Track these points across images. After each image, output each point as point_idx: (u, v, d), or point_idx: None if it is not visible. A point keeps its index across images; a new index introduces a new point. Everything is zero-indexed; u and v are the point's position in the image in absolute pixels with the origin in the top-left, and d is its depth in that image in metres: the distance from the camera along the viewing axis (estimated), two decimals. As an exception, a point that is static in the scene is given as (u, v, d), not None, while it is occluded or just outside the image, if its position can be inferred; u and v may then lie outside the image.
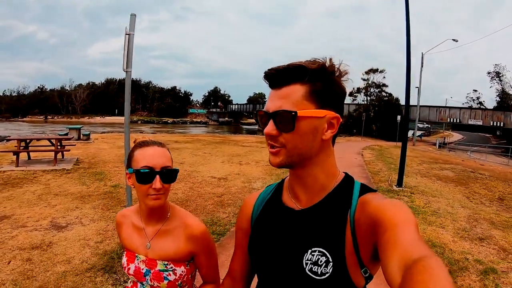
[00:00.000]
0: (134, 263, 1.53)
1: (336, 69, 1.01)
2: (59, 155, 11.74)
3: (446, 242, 5.63)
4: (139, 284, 1.55)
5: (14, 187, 8.07)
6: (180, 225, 1.51)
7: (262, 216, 1.22)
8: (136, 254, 1.54)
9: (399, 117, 34.61)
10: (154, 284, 1.50)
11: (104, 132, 33.15)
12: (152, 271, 1.49)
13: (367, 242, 0.94)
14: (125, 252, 1.60)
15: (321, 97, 0.99)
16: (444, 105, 49.85)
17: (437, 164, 16.27)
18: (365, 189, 1.05)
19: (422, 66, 36.46)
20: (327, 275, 0.96)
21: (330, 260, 0.97)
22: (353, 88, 56.08)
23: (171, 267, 1.48)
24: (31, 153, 11.69)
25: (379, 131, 45.27)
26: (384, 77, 51.56)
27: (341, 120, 1.05)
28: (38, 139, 12.43)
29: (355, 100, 55.77)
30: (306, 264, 1.00)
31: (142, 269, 1.51)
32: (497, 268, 4.71)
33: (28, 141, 11.54)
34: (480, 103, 73.68)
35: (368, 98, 52.97)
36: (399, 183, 10.07)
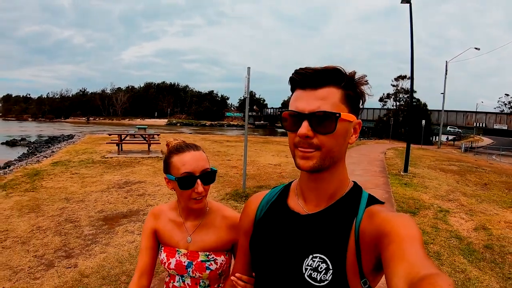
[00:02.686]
0: (175, 257, 1.60)
1: (363, 79, 1.03)
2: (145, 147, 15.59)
3: (423, 199, 8.96)
4: (177, 277, 1.63)
5: (129, 167, 11.91)
6: (219, 217, 1.61)
7: (265, 217, 1.21)
8: (177, 249, 1.61)
9: (423, 122, 36.70)
10: (196, 275, 1.57)
11: (161, 133, 37.08)
12: (194, 263, 1.56)
13: (370, 253, 0.94)
14: (163, 248, 1.66)
15: (351, 103, 1.01)
16: (471, 110, 51.15)
17: (449, 161, 19.15)
18: (372, 200, 1.06)
19: (446, 73, 38.64)
20: (326, 282, 0.97)
21: (330, 267, 0.97)
22: (383, 94, 58.72)
23: (212, 257, 1.55)
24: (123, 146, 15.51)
25: (406, 135, 47.01)
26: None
27: (361, 125, 1.08)
28: (131, 135, 16.42)
29: (385, 105, 58.37)
30: (306, 269, 1.01)
31: (184, 262, 1.58)
32: (450, 210, 8.00)
33: (123, 136, 15.38)
34: (512, 107, 74.67)
35: (397, 103, 55.54)
36: (405, 169, 13.35)
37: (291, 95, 1.06)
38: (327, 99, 0.97)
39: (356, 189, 1.10)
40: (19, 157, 22.46)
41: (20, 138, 39.80)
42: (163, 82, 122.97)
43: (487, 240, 6.18)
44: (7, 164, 16.27)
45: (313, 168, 0.99)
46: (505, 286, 4.56)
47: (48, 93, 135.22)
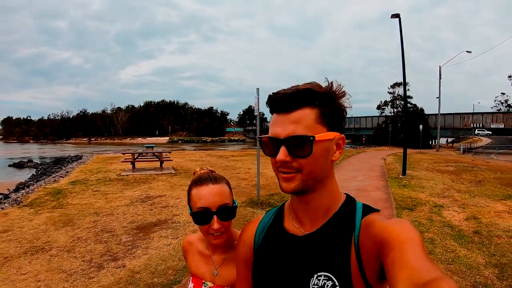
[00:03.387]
0: None
1: (340, 92, 1.02)
2: (157, 164, 16.41)
3: (421, 197, 9.78)
4: None
5: (145, 183, 12.74)
6: None
7: (264, 244, 1.20)
8: (203, 281, 1.60)
9: (421, 127, 37.82)
10: None
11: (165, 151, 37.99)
12: None
13: (372, 263, 0.94)
14: (191, 278, 1.66)
15: (329, 120, 1.00)
16: (467, 112, 51.93)
17: (446, 163, 19.98)
18: (367, 209, 1.06)
19: (440, 78, 40.03)
20: None
21: (337, 283, 0.98)
22: (381, 101, 59.78)
23: None
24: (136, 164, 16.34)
25: (405, 140, 47.53)
26: (408, 89, 54.56)
27: (345, 139, 1.07)
28: (142, 154, 17.27)
29: (383, 112, 59.39)
30: None
31: None
32: (444, 205, 8.79)
33: (136, 155, 16.21)
34: (509, 105, 75.22)
35: (395, 110, 56.53)
36: (404, 173, 14.18)
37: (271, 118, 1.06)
38: (300, 122, 0.97)
39: (349, 201, 1.11)
40: (29, 178, 23.16)
41: (27, 160, 40.43)
42: (163, 100, 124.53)
43: (476, 227, 6.97)
44: (25, 185, 17.00)
45: (295, 190, 1.01)
46: (490, 261, 5.34)
47: (49, 114, 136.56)
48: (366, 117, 62.83)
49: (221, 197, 1.45)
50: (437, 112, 41.80)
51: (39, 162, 37.55)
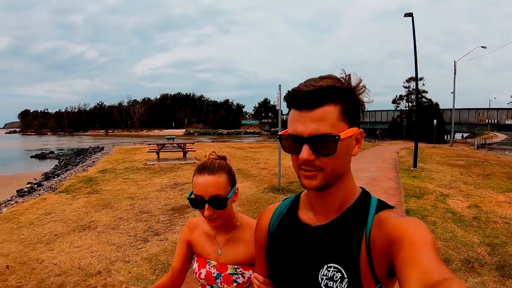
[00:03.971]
0: (206, 268, 1.68)
1: (360, 87, 1.01)
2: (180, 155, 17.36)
3: (429, 187, 10.49)
4: (208, 287, 1.70)
5: (171, 172, 13.68)
6: (249, 232, 1.60)
7: (278, 231, 1.23)
8: (208, 260, 1.70)
9: (435, 121, 38.14)
10: (223, 287, 1.64)
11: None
12: (222, 275, 1.64)
13: (382, 259, 0.95)
14: (196, 258, 1.76)
15: (350, 116, 1.00)
16: (483, 107, 51.55)
17: (457, 157, 20.53)
18: (382, 205, 1.07)
19: (455, 73, 40.33)
20: None
21: (345, 276, 0.99)
22: (396, 95, 59.92)
23: (240, 271, 1.61)
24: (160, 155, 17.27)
25: (420, 134, 47.55)
26: (423, 84, 54.66)
27: (363, 133, 1.08)
28: (167, 144, 18.26)
29: (398, 106, 59.64)
30: (322, 279, 1.03)
31: (213, 273, 1.66)
32: (449, 194, 9.51)
33: (161, 146, 17.23)
34: (527, 101, 74.68)
35: (410, 104, 56.73)
36: (414, 165, 14.89)
37: (288, 112, 1.05)
38: (324, 120, 0.95)
39: (365, 195, 1.11)
40: (53, 168, 24.32)
41: (48, 152, 41.74)
42: (179, 93, 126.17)
43: (476, 214, 7.68)
44: (53, 174, 18.13)
45: (317, 187, 1.00)
46: (484, 240, 6.06)
47: (66, 107, 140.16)
48: (381, 111, 62.92)
49: (214, 188, 1.54)
50: (458, 107, 41.83)
51: (60, 153, 38.88)
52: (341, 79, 1.00)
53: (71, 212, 8.44)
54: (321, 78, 1.00)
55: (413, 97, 55.66)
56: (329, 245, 1.06)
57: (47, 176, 18.06)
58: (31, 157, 37.72)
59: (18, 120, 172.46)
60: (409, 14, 15.52)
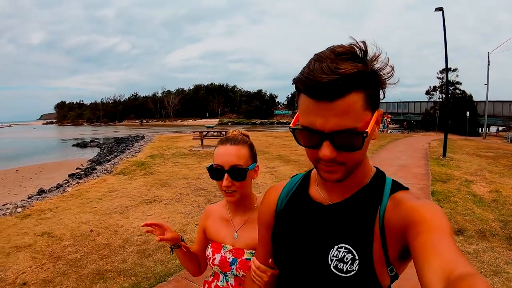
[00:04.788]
0: (220, 253, 1.63)
1: (387, 68, 0.90)
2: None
3: (455, 174, 11.32)
4: (221, 276, 1.67)
5: (211, 158, 14.79)
6: None
7: (287, 209, 1.18)
8: (223, 245, 1.65)
9: (468, 113, 38.29)
10: (239, 273, 1.58)
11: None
12: (238, 260, 1.58)
13: (396, 241, 0.93)
14: (210, 244, 1.71)
15: (374, 101, 0.91)
16: None
17: (487, 149, 21.06)
18: (396, 186, 1.04)
19: (488, 65, 39.98)
20: (352, 272, 0.96)
21: (357, 257, 0.96)
22: (430, 87, 59.60)
23: None
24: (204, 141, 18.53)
25: (453, 126, 47.06)
26: (457, 76, 54.39)
27: (382, 113, 0.99)
28: (212, 132, 19.47)
29: (432, 98, 59.32)
30: (332, 260, 0.99)
31: (229, 258, 1.60)
32: (473, 181, 10.36)
33: (205, 133, 18.45)
34: None
35: (443, 95, 56.37)
36: (444, 154, 15.69)
37: (298, 97, 0.93)
38: (348, 112, 0.85)
39: (379, 175, 1.08)
40: (96, 155, 26.02)
41: (89, 140, 43.76)
42: (212, 83, 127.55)
43: (496, 197, 8.50)
44: (100, 161, 19.79)
45: (339, 179, 0.96)
46: (498, 217, 6.96)
47: (102, 98, 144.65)
48: (414, 102, 62.56)
49: (234, 157, 1.53)
50: (491, 100, 41.94)
51: (101, 142, 40.87)
52: (361, 56, 0.87)
53: (133, 189, 9.61)
54: (338, 55, 0.85)
55: (448, 86, 55.19)
56: (341, 225, 1.02)
57: (98, 162, 19.66)
58: (73, 145, 39.99)
59: (54, 111, 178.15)
60: (440, 9, 15.93)
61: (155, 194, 9.03)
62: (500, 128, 56.50)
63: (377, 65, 0.89)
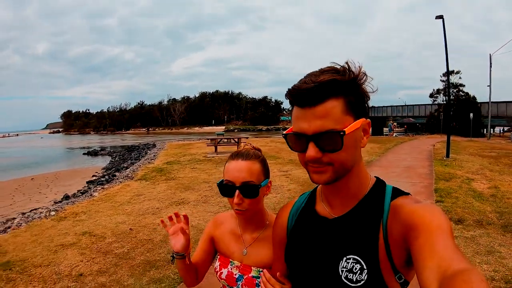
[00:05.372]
0: (227, 268, 1.62)
1: (362, 77, 1.01)
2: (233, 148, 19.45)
3: (457, 173, 12.07)
4: None
5: (230, 164, 15.59)
6: None
7: (297, 226, 1.24)
8: (231, 260, 1.63)
9: (471, 115, 39.07)
10: None
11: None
12: (245, 277, 1.57)
13: (400, 247, 0.96)
14: (218, 257, 1.70)
15: (355, 108, 0.99)
16: None
17: (490, 149, 21.74)
18: (397, 192, 1.08)
19: (490, 66, 40.89)
20: (362, 282, 1.00)
21: (365, 267, 1.00)
22: (433, 90, 60.03)
23: None
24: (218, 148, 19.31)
25: (457, 128, 47.88)
26: (460, 78, 54.83)
27: (371, 124, 1.07)
28: (223, 139, 20.36)
29: (435, 100, 59.77)
30: (342, 271, 1.03)
31: (235, 274, 1.59)
32: (474, 178, 11.11)
33: (218, 140, 19.33)
34: None
35: (447, 98, 56.79)
36: (447, 155, 16.42)
37: (292, 109, 1.05)
38: (327, 116, 0.96)
39: (379, 184, 1.13)
40: (109, 163, 26.67)
41: (100, 149, 44.47)
42: (217, 90, 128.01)
43: (494, 192, 9.23)
44: (120, 167, 20.36)
45: (327, 181, 1.03)
46: (495, 209, 7.68)
47: (108, 107, 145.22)
48: (419, 105, 62.78)
49: (246, 173, 1.49)
50: (494, 101, 42.68)
51: (111, 150, 41.24)
52: (341, 70, 0.99)
53: (158, 193, 10.20)
54: (322, 71, 0.99)
55: (451, 90, 55.70)
56: (347, 237, 1.07)
57: (116, 169, 20.29)
58: (84, 154, 40.72)
59: (60, 120, 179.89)
60: (440, 17, 16.58)
61: (181, 196, 9.64)
62: (506, 129, 56.83)
63: (354, 75, 1.00)
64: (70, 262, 5.63)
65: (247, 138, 20.85)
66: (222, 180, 1.55)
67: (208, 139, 21.71)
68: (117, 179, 14.44)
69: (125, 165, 21.36)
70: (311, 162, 1.01)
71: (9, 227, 7.97)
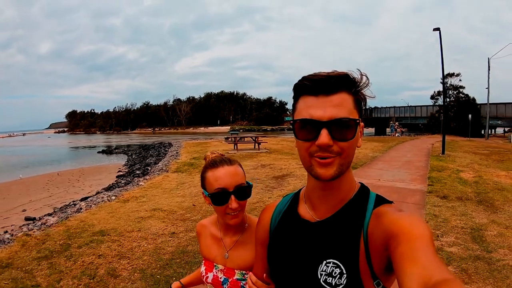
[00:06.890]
0: (213, 272, 1.65)
1: (367, 81, 1.04)
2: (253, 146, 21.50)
3: (450, 166, 14.13)
4: None
5: (252, 158, 17.54)
6: None
7: (279, 228, 1.25)
8: (215, 264, 1.66)
9: (470, 116, 40.55)
10: None
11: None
12: (230, 280, 1.59)
13: (380, 254, 0.97)
14: (203, 261, 1.73)
15: (359, 108, 1.04)
16: None
17: (485, 148, 23.74)
18: (380, 200, 1.10)
19: (489, 70, 42.92)
20: (341, 286, 1.00)
21: (344, 272, 1.00)
22: (434, 91, 61.61)
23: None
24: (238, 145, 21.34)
25: (457, 129, 49.62)
26: (460, 80, 56.40)
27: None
28: (243, 137, 22.59)
29: (436, 102, 61.46)
30: (321, 275, 1.04)
31: (220, 277, 1.62)
32: (463, 170, 13.18)
33: (238, 138, 21.48)
34: None
35: (447, 99, 58.61)
36: (443, 152, 18.48)
37: (296, 102, 1.08)
38: (343, 105, 0.98)
39: (363, 190, 1.14)
40: (126, 161, 28.15)
41: (114, 147, 46.26)
42: (222, 91, 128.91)
43: (477, 180, 11.21)
44: (149, 163, 21.76)
45: (333, 176, 1.01)
46: (474, 190, 9.67)
47: (115, 107, 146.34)
48: (421, 106, 63.91)
49: (237, 177, 1.53)
50: (491, 101, 44.56)
51: (126, 149, 42.58)
52: (351, 72, 1.03)
53: (199, 182, 12.02)
54: (332, 71, 1.02)
55: (450, 92, 57.34)
56: (328, 241, 1.08)
57: (141, 165, 21.76)
58: (98, 152, 42.26)
59: (63, 120, 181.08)
60: (437, 29, 18.32)
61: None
62: (507, 129, 58.19)
63: (362, 77, 1.05)
64: (157, 227, 6.66)
65: (263, 136, 22.89)
66: (209, 192, 1.55)
67: (225, 137, 23.51)
68: (153, 172, 15.57)
69: (148, 161, 22.55)
70: (321, 150, 1.00)
71: (80, 208, 8.81)
